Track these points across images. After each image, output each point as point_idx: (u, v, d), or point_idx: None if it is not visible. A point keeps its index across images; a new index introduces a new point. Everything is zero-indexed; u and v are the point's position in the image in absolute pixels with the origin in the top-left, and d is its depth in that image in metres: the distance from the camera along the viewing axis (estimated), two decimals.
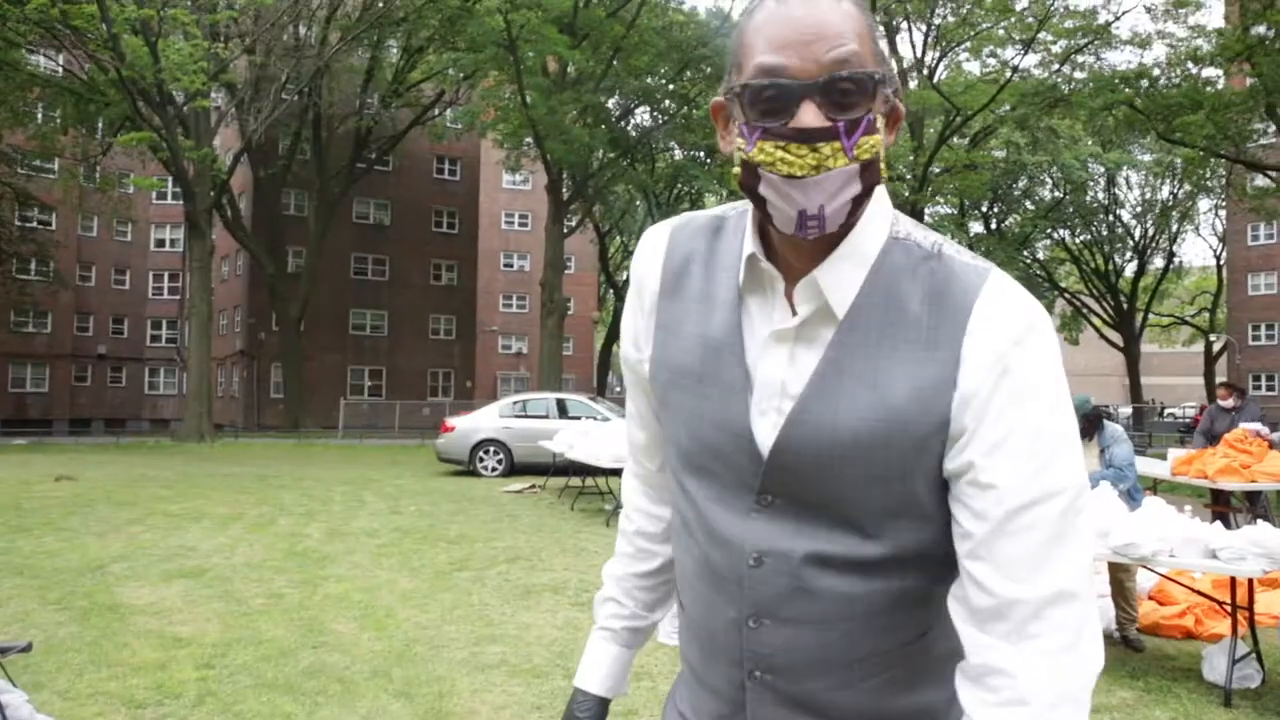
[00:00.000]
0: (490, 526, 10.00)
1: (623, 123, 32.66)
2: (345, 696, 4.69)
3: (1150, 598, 6.28)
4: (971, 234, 40.44)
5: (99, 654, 5.45)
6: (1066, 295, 45.55)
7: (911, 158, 28.68)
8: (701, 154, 32.33)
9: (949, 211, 39.94)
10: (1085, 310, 45.72)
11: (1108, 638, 5.98)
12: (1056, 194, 40.12)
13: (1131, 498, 5.95)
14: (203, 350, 27.06)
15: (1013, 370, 0.95)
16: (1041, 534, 0.93)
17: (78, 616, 6.26)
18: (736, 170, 1.00)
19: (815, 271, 1.00)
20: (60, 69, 29.57)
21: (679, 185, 35.24)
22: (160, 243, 46.13)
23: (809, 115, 0.93)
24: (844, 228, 0.99)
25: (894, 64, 0.93)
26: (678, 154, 34.65)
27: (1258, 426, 7.95)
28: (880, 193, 1.03)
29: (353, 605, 6.61)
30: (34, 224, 35.85)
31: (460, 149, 42.87)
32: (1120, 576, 5.72)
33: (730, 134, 1.01)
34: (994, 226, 41.73)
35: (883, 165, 0.99)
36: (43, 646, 5.50)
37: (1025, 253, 41.50)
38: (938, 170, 28.62)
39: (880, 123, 0.97)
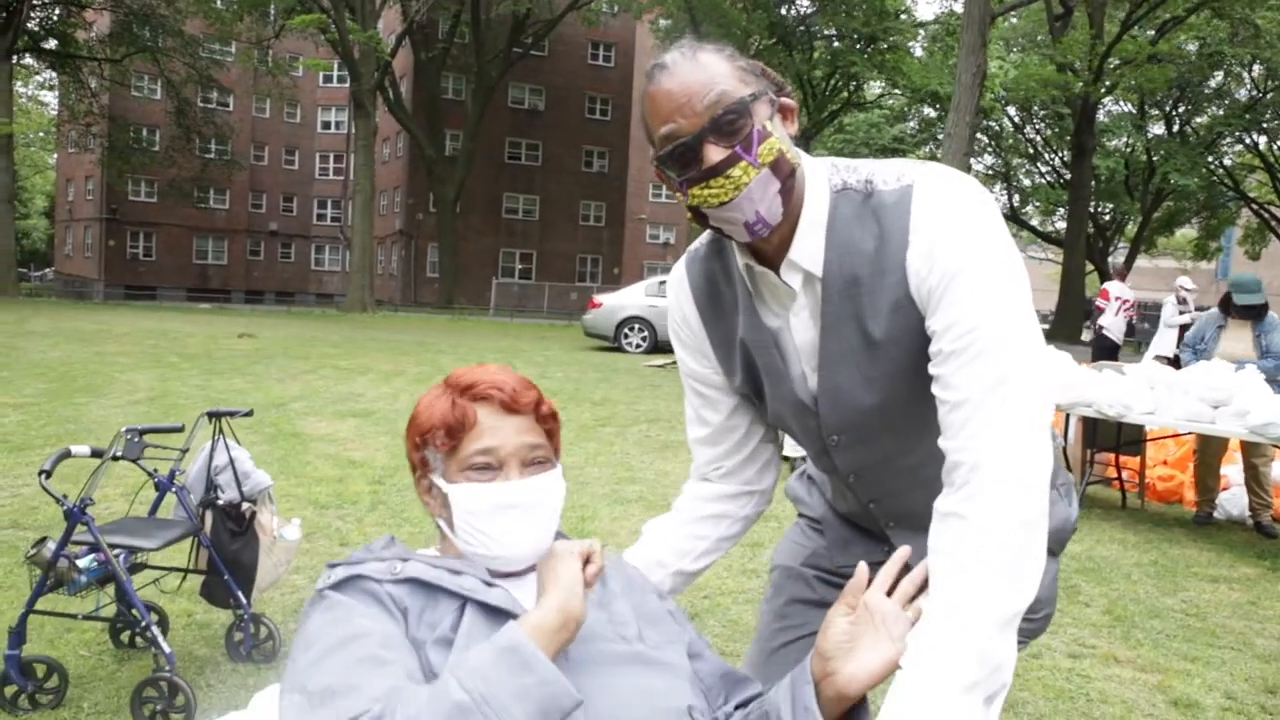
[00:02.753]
0: (633, 393, 10.48)
1: (781, 9, 31.67)
2: None
3: None
4: (1150, 136, 37.66)
5: (287, 468, 6.18)
6: (1254, 205, 42.10)
7: (1088, 48, 26.72)
8: (859, 43, 31.04)
9: (1126, 110, 37.14)
10: (1274, 223, 42.22)
11: (1239, 524, 5.95)
12: (1255, 93, 36.59)
13: None
14: (365, 226, 28.44)
15: (941, 255, 1.18)
16: (976, 350, 1.15)
17: (267, 439, 7.05)
18: (689, 216, 1.26)
19: (790, 250, 1.26)
20: None
21: (836, 77, 34.05)
22: (326, 124, 47.99)
23: (713, 154, 1.17)
24: (789, 211, 1.23)
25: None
26: (836, 43, 33.36)
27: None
28: (809, 162, 1.28)
29: None
30: (214, 105, 37.89)
31: (615, 34, 42.56)
32: (1255, 462, 5.64)
33: (674, 191, 1.25)
34: (1177, 128, 38.64)
35: (788, 153, 1.22)
36: None
37: (1210, 158, 38.33)
38: (1116, 63, 26.65)
39: (771, 124, 1.20)
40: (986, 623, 1.07)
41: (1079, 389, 5.61)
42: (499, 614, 1.12)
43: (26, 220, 57.00)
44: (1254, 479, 5.69)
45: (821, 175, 1.28)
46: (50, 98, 43.57)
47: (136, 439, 2.94)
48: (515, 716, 0.93)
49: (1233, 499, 6.04)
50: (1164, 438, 6.57)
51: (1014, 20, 34.17)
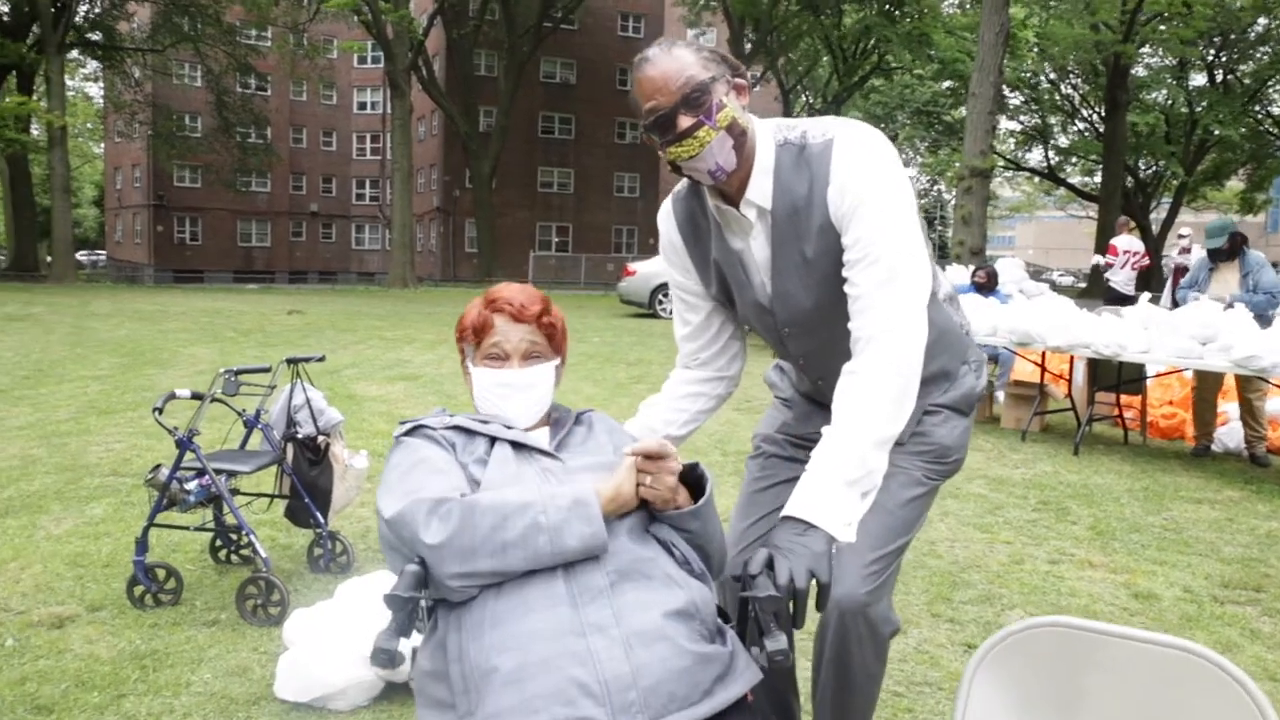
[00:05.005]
0: (667, 354, 10.96)
1: None
2: None
3: None
4: (1191, 87, 36.93)
5: (346, 425, 6.73)
6: None
7: (1119, 4, 26.41)
8: (887, 5, 30.89)
9: (1167, 63, 36.45)
10: None
11: (1235, 455, 6.30)
12: None
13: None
14: (405, 203, 29.09)
15: (850, 189, 1.62)
16: (872, 257, 1.60)
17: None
18: (669, 168, 1.69)
19: (746, 191, 1.70)
20: None
21: (864, 43, 33.90)
22: (362, 105, 48.63)
23: (683, 121, 1.61)
24: (742, 161, 1.66)
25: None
26: (866, 12, 33.17)
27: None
28: (758, 124, 1.71)
29: None
30: (252, 91, 38.61)
31: (644, 5, 42.69)
32: (1250, 397, 5.98)
33: (657, 150, 1.67)
34: (1220, 78, 37.76)
35: (740, 119, 1.64)
36: None
37: (1256, 107, 37.37)
38: (1147, 18, 26.32)
39: (728, 98, 1.63)
40: (867, 441, 1.54)
41: (1076, 331, 5.98)
42: (517, 446, 1.63)
43: (78, 209, 58.47)
44: (1249, 412, 6.04)
45: (768, 133, 1.72)
46: (95, 89, 44.67)
47: (233, 378, 3.47)
48: (569, 548, 1.41)
49: (1230, 433, 6.39)
50: (1167, 374, 6.91)
51: None
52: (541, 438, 1.70)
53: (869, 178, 1.62)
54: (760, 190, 1.70)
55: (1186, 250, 11.58)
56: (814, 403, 2.01)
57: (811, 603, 1.49)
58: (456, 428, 1.67)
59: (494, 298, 1.76)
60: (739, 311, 1.91)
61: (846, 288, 1.65)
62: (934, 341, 1.76)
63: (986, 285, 8.54)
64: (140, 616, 3.24)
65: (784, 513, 1.51)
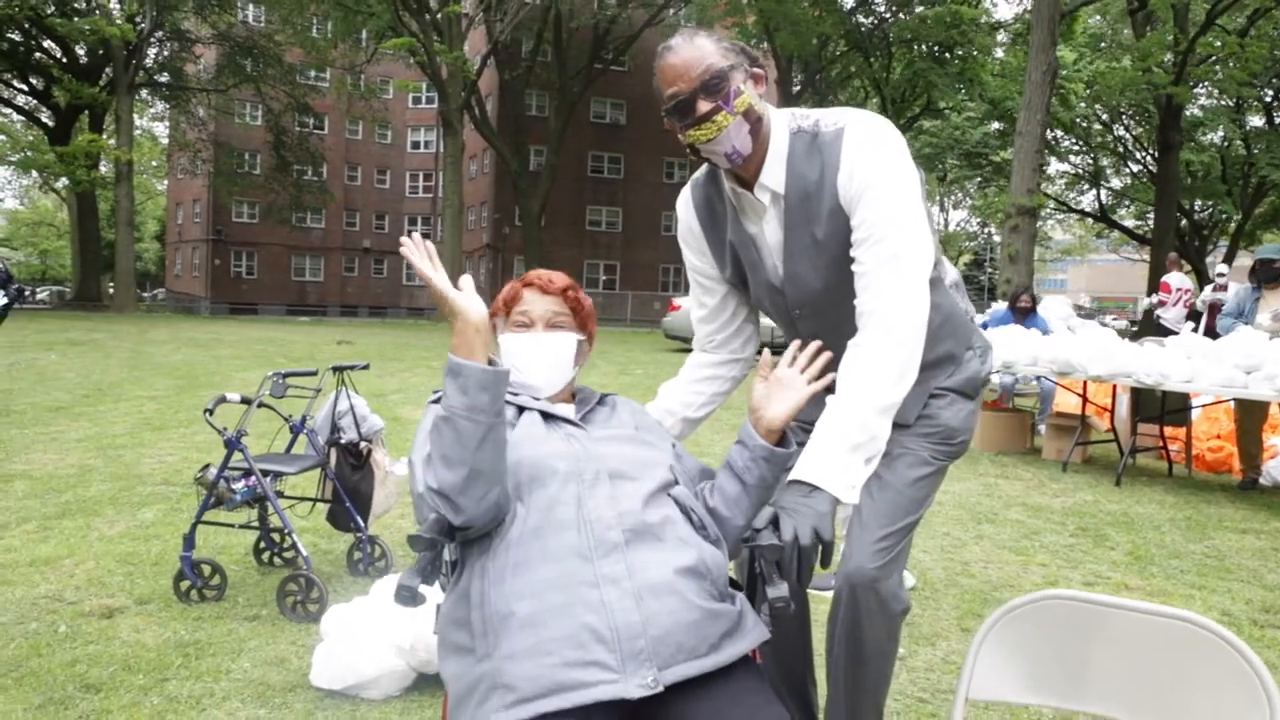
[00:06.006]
0: None
1: (855, 17, 31.82)
2: None
3: None
4: (1249, 128, 36.30)
5: (389, 444, 6.86)
6: None
7: (1170, 46, 26.13)
8: (936, 48, 30.85)
9: (1222, 104, 35.89)
10: None
11: None
12: None
13: None
14: (455, 239, 29.58)
15: (858, 173, 1.70)
16: (877, 237, 1.68)
17: None
18: (688, 152, 1.78)
19: (761, 176, 1.78)
20: None
21: (916, 85, 33.83)
22: (415, 144, 49.63)
23: (702, 106, 1.70)
24: (757, 146, 1.74)
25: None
26: (913, 56, 33.14)
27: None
28: (773, 112, 1.80)
29: None
30: (310, 130, 39.69)
31: None
32: None
33: (677, 134, 1.76)
34: (1279, 120, 37.06)
35: (757, 106, 1.73)
36: None
37: None
38: (1203, 57, 25.99)
39: (744, 86, 1.72)
40: (871, 408, 1.60)
41: (1119, 360, 5.94)
42: (544, 416, 1.72)
43: (140, 243, 60.26)
44: None
45: (783, 121, 1.81)
46: (160, 128, 46.20)
47: (280, 381, 3.61)
48: (467, 403, 1.47)
49: (1279, 466, 6.27)
50: (1214, 404, 6.81)
51: (1096, 19, 33.63)
52: (568, 411, 1.78)
53: (877, 164, 1.70)
54: (774, 175, 1.78)
55: (1222, 288, 11.46)
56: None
57: (825, 595, 1.54)
58: None
59: (527, 276, 1.86)
60: (752, 293, 1.98)
61: (853, 266, 1.72)
62: (940, 326, 1.81)
63: (1029, 309, 8.45)
64: (185, 609, 3.35)
65: (790, 476, 1.57)
